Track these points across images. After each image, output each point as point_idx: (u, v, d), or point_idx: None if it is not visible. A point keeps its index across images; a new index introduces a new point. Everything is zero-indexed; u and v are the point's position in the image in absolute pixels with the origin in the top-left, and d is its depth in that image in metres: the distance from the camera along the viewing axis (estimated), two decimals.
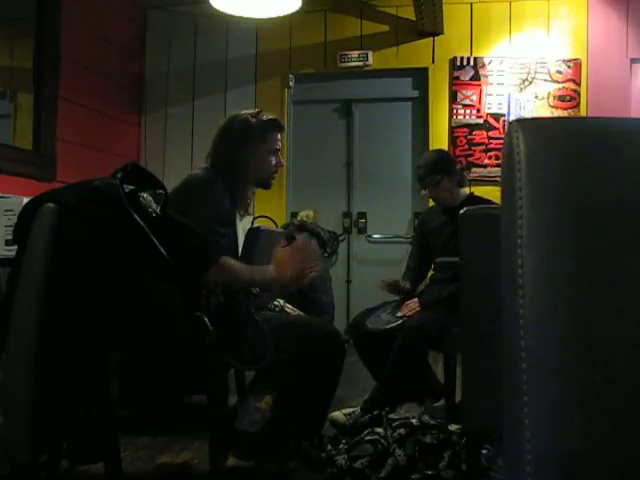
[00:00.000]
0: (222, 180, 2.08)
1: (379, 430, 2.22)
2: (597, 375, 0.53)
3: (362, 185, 5.09)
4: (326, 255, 4.74)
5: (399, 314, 2.77)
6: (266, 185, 2.26)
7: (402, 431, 2.15)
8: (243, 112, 2.22)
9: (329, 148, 5.12)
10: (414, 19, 4.70)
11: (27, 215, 1.54)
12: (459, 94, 4.80)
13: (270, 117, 2.23)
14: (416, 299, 2.83)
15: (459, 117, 4.80)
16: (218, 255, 1.89)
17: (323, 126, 5.14)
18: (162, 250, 1.61)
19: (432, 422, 2.22)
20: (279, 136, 2.24)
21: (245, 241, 2.64)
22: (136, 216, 1.58)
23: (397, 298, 2.96)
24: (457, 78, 4.81)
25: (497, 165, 4.67)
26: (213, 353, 1.86)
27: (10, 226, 2.23)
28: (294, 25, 4.98)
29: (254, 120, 2.17)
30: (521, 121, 0.59)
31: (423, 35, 4.87)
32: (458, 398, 2.19)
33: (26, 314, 1.47)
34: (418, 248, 3.12)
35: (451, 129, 4.81)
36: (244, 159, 2.14)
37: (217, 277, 1.88)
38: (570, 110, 4.64)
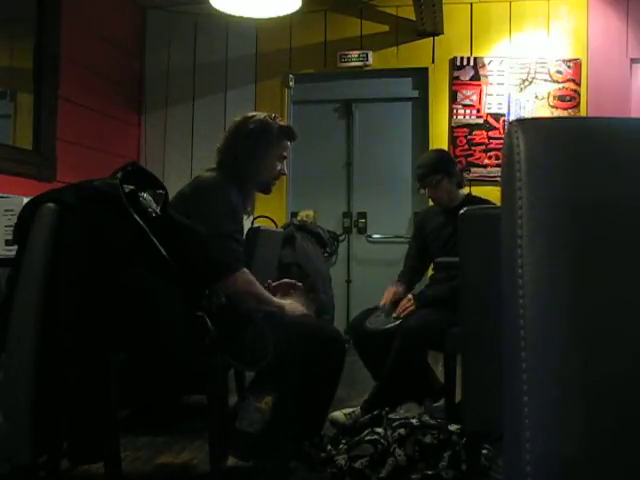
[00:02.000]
0: (233, 182, 2.10)
1: (379, 430, 2.22)
2: (598, 375, 0.53)
3: (362, 185, 5.09)
4: (326, 255, 4.74)
5: (394, 315, 2.78)
6: (266, 190, 2.28)
7: (402, 431, 2.15)
8: (259, 113, 2.24)
9: (329, 148, 5.12)
10: (414, 19, 4.70)
11: (27, 215, 1.54)
12: (459, 94, 4.80)
13: (286, 124, 2.28)
14: (410, 296, 2.83)
15: (459, 117, 4.80)
16: (239, 265, 2.00)
17: (323, 126, 5.14)
18: (162, 250, 1.61)
19: (432, 422, 2.22)
20: (289, 145, 2.27)
21: (245, 241, 2.65)
22: (136, 216, 1.58)
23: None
24: (457, 78, 4.81)
25: (497, 165, 4.67)
26: (213, 353, 1.86)
27: (10, 226, 2.23)
28: (294, 25, 4.98)
29: (272, 122, 2.19)
30: (521, 121, 0.58)
31: (423, 35, 4.87)
32: (458, 398, 2.19)
33: (26, 314, 1.46)
34: (416, 248, 3.12)
35: (451, 129, 4.81)
36: (255, 159, 2.16)
37: (234, 286, 1.98)
38: (570, 110, 4.64)
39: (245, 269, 2.04)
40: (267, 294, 2.11)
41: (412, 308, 2.75)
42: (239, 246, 2.04)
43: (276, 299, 2.14)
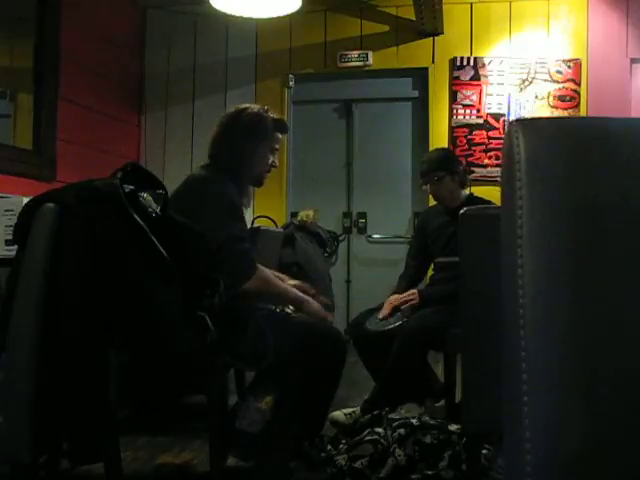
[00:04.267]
0: (228, 177, 2.11)
1: (379, 430, 2.22)
2: (597, 375, 0.53)
3: (362, 185, 5.09)
4: (326, 255, 4.74)
5: (400, 311, 2.78)
6: (259, 183, 2.30)
7: (402, 431, 2.15)
8: (252, 106, 2.25)
9: (329, 148, 5.12)
10: (414, 19, 4.70)
11: (27, 215, 1.54)
12: (459, 94, 4.80)
13: (278, 117, 2.31)
14: (415, 290, 2.83)
15: (459, 117, 4.79)
16: (254, 268, 2.07)
17: (323, 126, 5.14)
18: (162, 250, 1.61)
19: (432, 422, 2.22)
20: (281, 137, 2.29)
21: None
22: (136, 216, 1.57)
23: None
24: (457, 78, 4.80)
25: (497, 165, 4.67)
26: (214, 353, 1.86)
27: (10, 226, 2.23)
28: (294, 25, 4.98)
29: (266, 114, 2.20)
30: (521, 121, 0.58)
31: (423, 35, 4.87)
32: (458, 398, 2.19)
33: (26, 314, 1.46)
34: (417, 248, 3.11)
35: (451, 129, 4.81)
36: (251, 151, 2.17)
37: (252, 288, 2.05)
38: (570, 110, 4.64)
39: (260, 267, 2.09)
40: (284, 288, 2.18)
41: (416, 302, 2.75)
42: (249, 245, 2.08)
43: (299, 293, 2.19)
